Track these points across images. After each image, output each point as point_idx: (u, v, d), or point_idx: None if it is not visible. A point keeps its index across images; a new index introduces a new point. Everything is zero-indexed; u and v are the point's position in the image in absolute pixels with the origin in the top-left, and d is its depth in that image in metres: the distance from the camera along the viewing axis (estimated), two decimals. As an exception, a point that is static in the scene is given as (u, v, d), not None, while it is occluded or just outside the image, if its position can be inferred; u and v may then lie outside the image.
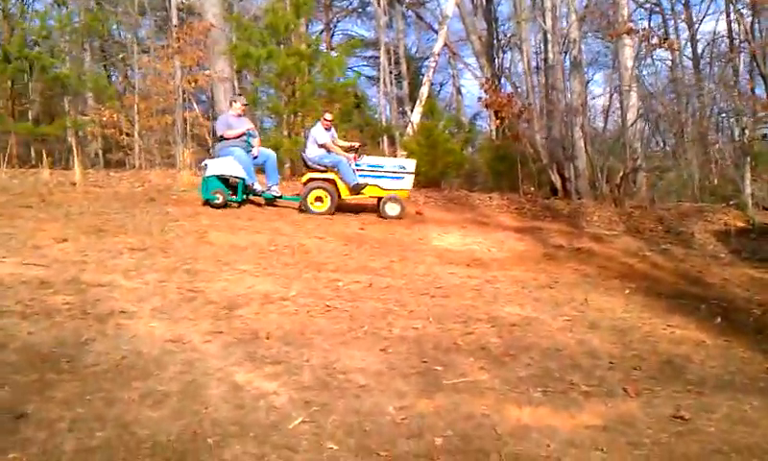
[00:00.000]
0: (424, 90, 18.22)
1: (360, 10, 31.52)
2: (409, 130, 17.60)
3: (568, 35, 14.16)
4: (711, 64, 23.36)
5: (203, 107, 20.53)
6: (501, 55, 25.99)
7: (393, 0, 25.87)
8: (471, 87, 44.49)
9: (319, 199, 10.23)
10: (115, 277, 6.33)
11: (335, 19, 31.91)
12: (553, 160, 14.43)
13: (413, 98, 21.62)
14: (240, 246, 7.80)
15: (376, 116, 20.46)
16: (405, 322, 5.76)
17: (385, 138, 19.34)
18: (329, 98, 13.22)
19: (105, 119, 16.03)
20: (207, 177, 9.91)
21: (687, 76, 20.55)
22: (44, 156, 11.62)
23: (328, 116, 10.83)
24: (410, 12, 28.89)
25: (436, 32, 22.49)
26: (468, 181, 17.25)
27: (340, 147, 10.71)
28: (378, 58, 22.70)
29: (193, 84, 15.30)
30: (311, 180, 10.36)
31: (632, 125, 13.73)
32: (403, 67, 26.20)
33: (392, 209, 10.33)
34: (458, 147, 15.50)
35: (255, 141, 10.66)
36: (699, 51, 23.68)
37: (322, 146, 10.47)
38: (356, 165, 10.42)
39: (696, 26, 23.13)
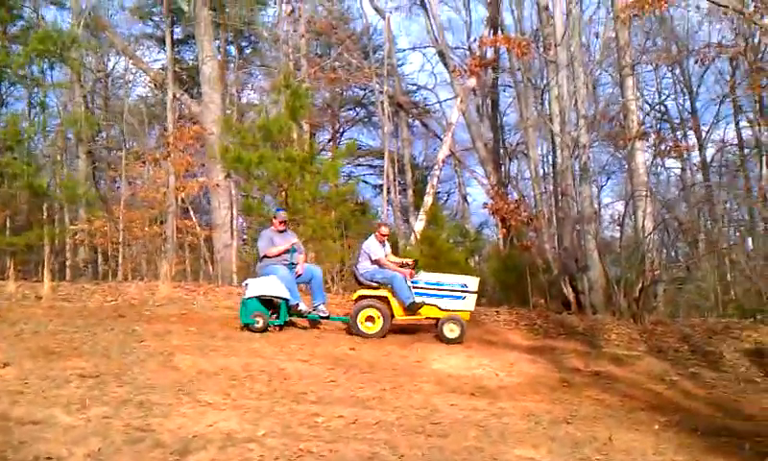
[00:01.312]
0: (428, 199, 17.61)
1: (366, 119, 31.36)
2: (412, 239, 16.84)
3: (578, 140, 13.47)
4: (720, 173, 22.92)
5: (201, 217, 19.97)
6: (508, 163, 25.48)
7: (398, 110, 25.72)
8: (478, 196, 44.03)
9: (370, 319, 9.13)
10: (53, 411, 5.38)
11: (342, 128, 31.75)
12: (565, 272, 13.47)
13: (418, 207, 20.99)
14: (209, 371, 6.80)
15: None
16: (393, 470, 4.75)
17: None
18: (325, 205, 12.45)
19: (94, 228, 15.43)
20: (247, 299, 8.92)
21: (698, 185, 19.98)
22: (11, 266, 10.74)
23: (384, 230, 9.87)
24: (416, 122, 28.66)
25: (441, 139, 22.05)
26: (474, 293, 16.27)
27: (393, 263, 9.70)
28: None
29: (182, 193, 14.67)
30: (362, 297, 9.30)
31: (649, 235, 12.83)
32: (408, 176, 25.78)
33: (451, 332, 9.10)
34: (462, 257, 14.64)
35: (300, 257, 9.72)
36: (708, 159, 23.32)
37: (375, 262, 9.48)
38: (413, 282, 9.36)
39: (704, 134, 22.79)
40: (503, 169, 24.19)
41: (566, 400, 7.03)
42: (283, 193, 11.88)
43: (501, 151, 24.69)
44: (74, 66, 14.89)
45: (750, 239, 19.68)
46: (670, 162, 22.41)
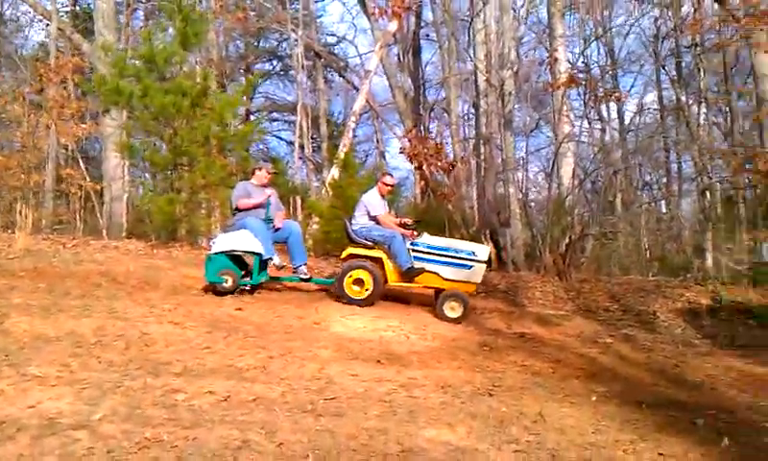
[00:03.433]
0: (343, 150, 16.29)
1: (282, 72, 29.70)
2: (324, 192, 15.58)
3: (503, 84, 12.42)
4: (638, 135, 22.69)
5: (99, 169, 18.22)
6: (428, 118, 24.37)
7: (315, 61, 24.31)
8: (397, 155, 42.74)
9: (359, 282, 7.81)
10: None
11: (256, 81, 29.99)
12: (486, 226, 12.47)
13: (333, 162, 19.76)
14: (49, 336, 5.44)
15: (290, 177, 18.44)
16: (266, 465, 3.59)
17: (299, 201, 17.26)
18: (219, 147, 10.94)
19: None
20: (213, 254, 7.62)
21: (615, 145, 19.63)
22: None
23: (389, 180, 8.47)
24: (335, 77, 27.25)
25: (358, 90, 20.75)
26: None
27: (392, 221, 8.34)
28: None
29: (63, 136, 12.96)
30: (352, 256, 7.99)
31: (578, 186, 11.98)
32: (323, 129, 24.50)
33: (451, 310, 7.80)
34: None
35: (279, 214, 8.38)
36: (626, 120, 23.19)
37: (373, 218, 8.15)
38: (413, 245, 8.02)
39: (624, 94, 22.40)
40: (422, 124, 23.12)
41: (488, 367, 6.00)
42: (171, 131, 10.35)
43: (421, 105, 23.64)
44: None
45: (663, 202, 19.63)
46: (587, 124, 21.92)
